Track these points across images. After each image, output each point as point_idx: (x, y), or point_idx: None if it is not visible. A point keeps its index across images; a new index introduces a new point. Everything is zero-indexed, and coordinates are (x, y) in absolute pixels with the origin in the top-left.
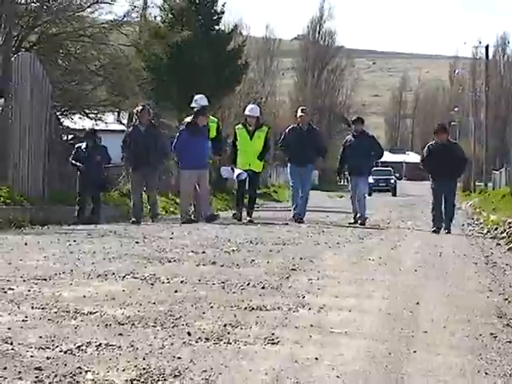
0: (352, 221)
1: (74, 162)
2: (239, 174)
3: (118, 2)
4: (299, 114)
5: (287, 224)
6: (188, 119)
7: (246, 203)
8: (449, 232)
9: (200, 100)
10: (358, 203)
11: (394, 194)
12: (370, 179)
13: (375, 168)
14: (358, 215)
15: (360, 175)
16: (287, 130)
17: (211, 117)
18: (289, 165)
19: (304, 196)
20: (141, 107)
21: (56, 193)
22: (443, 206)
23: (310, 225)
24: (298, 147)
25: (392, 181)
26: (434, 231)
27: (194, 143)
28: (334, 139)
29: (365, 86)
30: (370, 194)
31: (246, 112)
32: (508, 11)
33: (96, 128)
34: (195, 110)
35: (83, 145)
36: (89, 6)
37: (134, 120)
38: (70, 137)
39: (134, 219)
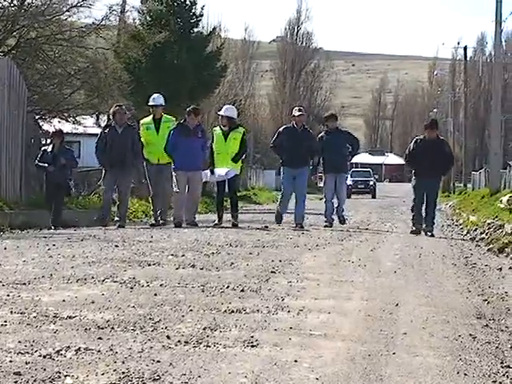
0: (325, 224)
1: (39, 163)
2: (227, 173)
3: (96, 6)
4: (297, 113)
5: (267, 227)
6: (147, 119)
7: (226, 207)
8: (432, 235)
9: (157, 99)
10: (337, 204)
11: (374, 196)
12: (349, 181)
13: (354, 169)
14: (340, 217)
15: (337, 173)
16: (281, 130)
17: (168, 116)
18: (282, 168)
19: (301, 201)
20: (117, 107)
21: (34, 197)
22: (424, 207)
23: (295, 228)
24: (293, 149)
25: (371, 182)
26: (412, 232)
27: (184, 144)
28: None
29: (344, 88)
30: (348, 196)
31: (222, 112)
32: (487, 12)
33: (75, 131)
34: (152, 105)
35: (49, 148)
36: (67, 10)
37: (109, 120)
38: (49, 141)
39: (96, 217)
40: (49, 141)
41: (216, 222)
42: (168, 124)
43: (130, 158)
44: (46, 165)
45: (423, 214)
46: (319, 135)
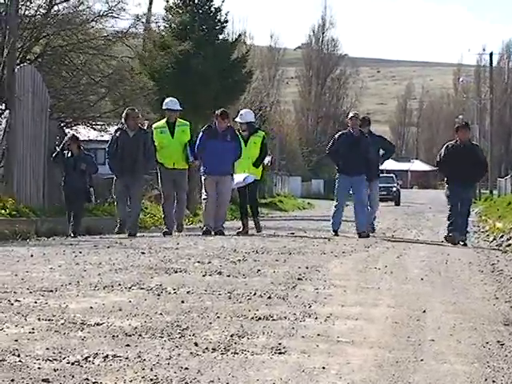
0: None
1: (55, 157)
2: (245, 178)
3: (122, 15)
4: (350, 115)
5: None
6: (161, 123)
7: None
8: (465, 244)
9: (175, 104)
10: (368, 209)
11: (397, 203)
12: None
13: None
14: (370, 225)
15: (369, 180)
16: (336, 136)
17: (182, 120)
18: (338, 175)
19: (361, 208)
20: (129, 110)
21: (58, 204)
22: (460, 214)
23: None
24: (349, 155)
25: (394, 189)
26: (447, 238)
27: (213, 147)
28: None
29: (369, 95)
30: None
31: (239, 118)
32: (509, 14)
33: (101, 138)
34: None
35: (68, 153)
36: (94, 19)
37: (121, 124)
38: (87, 152)
39: (119, 229)
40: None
41: (240, 229)
42: (183, 128)
43: (142, 162)
44: (63, 166)
45: (456, 223)
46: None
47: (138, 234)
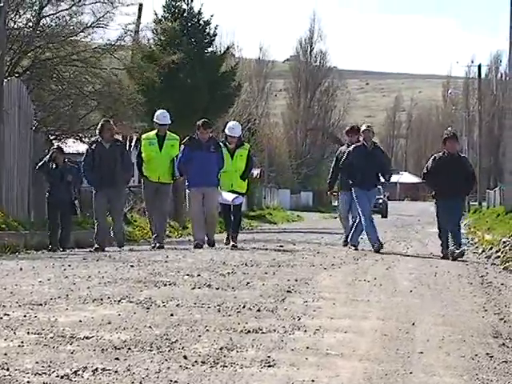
0: (344, 245)
1: (40, 167)
2: (234, 199)
3: (110, 26)
4: (363, 127)
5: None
6: (151, 134)
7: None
8: (462, 254)
9: (165, 118)
10: (356, 222)
11: (384, 216)
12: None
13: None
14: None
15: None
16: (351, 149)
17: (172, 134)
18: (354, 189)
19: (373, 221)
20: (103, 122)
21: (46, 217)
22: (450, 229)
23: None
24: (365, 169)
25: (380, 201)
26: (443, 257)
27: (198, 159)
28: (327, 160)
29: (358, 107)
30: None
31: (226, 131)
32: (501, 31)
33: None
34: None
35: (53, 164)
36: (82, 31)
37: (96, 136)
38: (72, 164)
39: (96, 246)
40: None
41: (225, 241)
42: (172, 142)
43: (121, 174)
44: (49, 180)
45: (445, 237)
46: (340, 148)
47: (127, 247)
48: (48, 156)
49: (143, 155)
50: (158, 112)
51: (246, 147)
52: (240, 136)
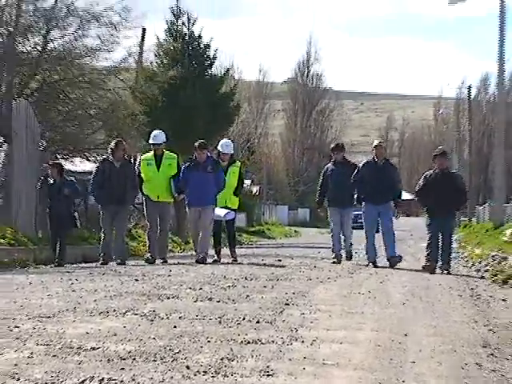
0: (333, 260)
1: (40, 186)
2: (226, 214)
3: (115, 49)
4: (375, 143)
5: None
6: (148, 155)
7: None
8: (449, 273)
9: (159, 137)
10: (344, 238)
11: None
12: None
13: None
14: (346, 252)
15: (344, 207)
16: (361, 164)
17: (170, 153)
18: (363, 204)
19: (390, 235)
20: (118, 141)
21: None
22: (442, 244)
23: (303, 262)
24: (375, 184)
25: None
26: (425, 267)
27: (195, 179)
28: None
29: (353, 127)
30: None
31: (219, 148)
32: (490, 53)
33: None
34: (154, 143)
35: (51, 180)
36: (87, 54)
37: (108, 155)
38: (70, 178)
39: (102, 261)
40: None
41: (215, 257)
42: (170, 161)
43: (129, 192)
44: (48, 198)
45: (439, 252)
46: (325, 166)
47: (132, 262)
48: (45, 172)
49: (142, 175)
50: (153, 133)
51: (238, 164)
52: (232, 153)
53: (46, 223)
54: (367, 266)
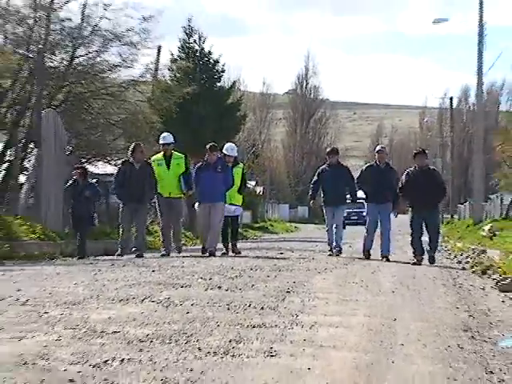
0: (329, 253)
1: (67, 187)
2: (234, 210)
3: (134, 65)
4: (377, 149)
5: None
6: (159, 156)
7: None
8: (433, 261)
9: (167, 138)
10: (335, 234)
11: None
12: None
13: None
14: (334, 245)
15: (337, 205)
16: (364, 168)
17: (178, 153)
18: (366, 204)
19: (386, 234)
20: (136, 144)
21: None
22: (429, 236)
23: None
24: (376, 185)
25: (364, 213)
26: (414, 264)
27: (206, 178)
28: None
29: (347, 133)
30: (344, 227)
31: (224, 151)
32: (469, 67)
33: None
34: (162, 144)
35: (73, 182)
36: (109, 69)
37: (128, 157)
38: (94, 180)
39: (120, 252)
40: (94, 180)
41: (224, 251)
42: (178, 161)
43: (147, 191)
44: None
45: (423, 246)
46: (320, 168)
47: (149, 255)
48: (72, 176)
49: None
50: (162, 135)
51: (241, 166)
52: (236, 156)
53: (69, 221)
54: (364, 255)
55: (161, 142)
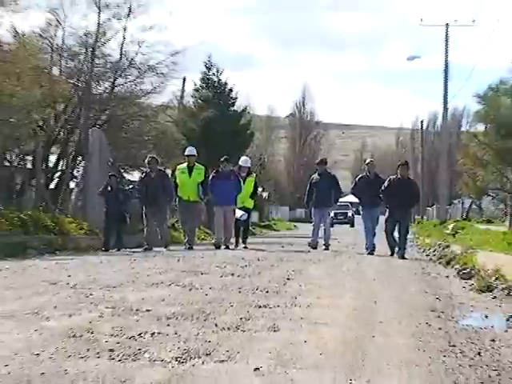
0: (311, 248)
1: (101, 192)
2: (241, 216)
3: (163, 93)
4: (367, 161)
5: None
6: (183, 165)
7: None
8: (403, 256)
9: (191, 150)
10: (324, 232)
11: (352, 225)
12: (331, 213)
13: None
14: (324, 242)
15: (324, 207)
16: (357, 179)
17: (199, 165)
18: (361, 208)
19: (373, 233)
20: (150, 158)
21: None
22: (398, 235)
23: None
24: (368, 193)
25: (349, 214)
26: (391, 255)
27: (220, 185)
28: None
29: (336, 149)
30: (331, 226)
31: (240, 163)
32: (437, 96)
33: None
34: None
35: (109, 187)
36: (143, 96)
37: (146, 168)
38: (130, 186)
39: (146, 246)
40: (130, 186)
41: (234, 245)
42: (199, 171)
43: (163, 196)
44: (105, 198)
45: (396, 239)
46: (312, 176)
47: (174, 248)
48: (105, 182)
49: (177, 181)
50: (188, 148)
51: (253, 176)
52: (249, 167)
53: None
54: (368, 254)
55: (186, 153)
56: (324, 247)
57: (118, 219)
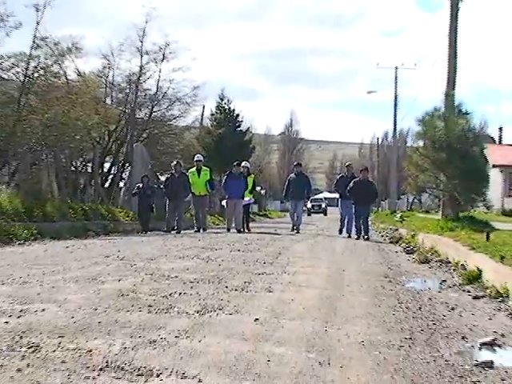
0: (291, 231)
1: (134, 193)
2: (249, 200)
3: (188, 117)
4: (346, 164)
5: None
6: (193, 169)
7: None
8: (368, 239)
9: (200, 157)
10: (296, 218)
11: (325, 214)
12: (309, 205)
13: (312, 197)
14: (295, 226)
15: (298, 200)
16: (338, 178)
17: (205, 167)
18: (340, 199)
19: (351, 220)
20: (175, 162)
21: (154, 214)
22: (362, 222)
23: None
24: (345, 188)
25: (323, 205)
26: (357, 238)
27: (232, 184)
28: None
29: (315, 159)
30: (309, 215)
31: (242, 164)
32: (389, 119)
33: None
34: (196, 161)
35: (140, 185)
36: (174, 119)
37: (172, 170)
38: (156, 185)
39: (165, 229)
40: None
41: (243, 230)
42: (205, 172)
43: (182, 192)
44: (137, 195)
45: (361, 226)
46: (289, 175)
47: (191, 231)
48: (140, 181)
49: (190, 181)
50: (196, 155)
51: (252, 176)
52: (248, 168)
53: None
54: (349, 237)
55: (195, 159)
56: (295, 231)
57: (146, 209)
